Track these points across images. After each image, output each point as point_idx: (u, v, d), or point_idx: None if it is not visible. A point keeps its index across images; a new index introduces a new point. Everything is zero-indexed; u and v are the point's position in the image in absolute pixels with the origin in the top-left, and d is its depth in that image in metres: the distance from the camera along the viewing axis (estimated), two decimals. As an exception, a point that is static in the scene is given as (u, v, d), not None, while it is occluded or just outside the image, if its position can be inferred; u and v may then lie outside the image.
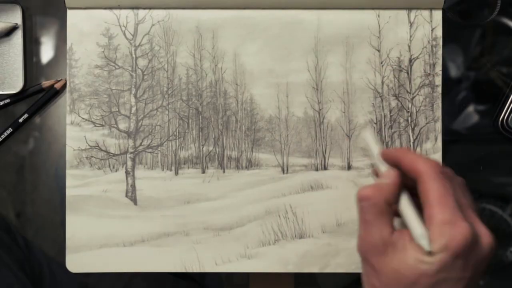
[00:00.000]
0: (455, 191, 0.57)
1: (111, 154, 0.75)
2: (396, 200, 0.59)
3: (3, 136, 0.78)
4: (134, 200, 0.75)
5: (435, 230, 0.54)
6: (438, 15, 0.74)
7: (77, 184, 0.74)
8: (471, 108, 0.80)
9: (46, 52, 0.79)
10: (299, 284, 0.80)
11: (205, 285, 0.81)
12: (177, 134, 0.75)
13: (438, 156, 0.74)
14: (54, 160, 0.79)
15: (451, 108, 0.78)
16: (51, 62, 0.79)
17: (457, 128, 0.79)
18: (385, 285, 0.56)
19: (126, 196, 0.75)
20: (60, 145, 0.78)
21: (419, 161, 0.58)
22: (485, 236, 0.55)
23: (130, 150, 0.75)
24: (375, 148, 0.63)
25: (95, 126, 0.75)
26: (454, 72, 0.80)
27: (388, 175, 0.60)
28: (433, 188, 0.55)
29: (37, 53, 0.79)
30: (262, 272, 0.74)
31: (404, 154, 0.60)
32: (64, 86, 0.77)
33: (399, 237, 0.56)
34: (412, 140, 0.75)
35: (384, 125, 0.75)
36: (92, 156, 0.75)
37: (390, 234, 0.56)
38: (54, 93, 0.77)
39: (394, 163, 0.61)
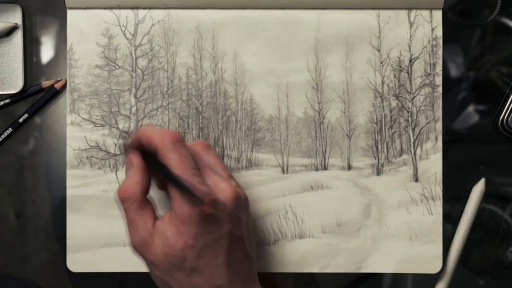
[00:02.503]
0: (194, 154, 0.60)
1: (112, 154, 0.76)
2: (149, 183, 0.62)
3: (3, 136, 0.78)
4: (134, 200, 0.75)
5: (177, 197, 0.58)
6: (438, 15, 0.75)
7: (78, 184, 0.75)
8: (471, 108, 0.80)
9: (46, 52, 0.80)
10: (299, 284, 0.80)
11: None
12: (177, 134, 0.76)
13: (438, 156, 0.75)
14: (54, 160, 0.79)
15: (451, 108, 0.79)
16: (51, 62, 0.79)
17: (457, 128, 0.79)
18: (164, 272, 0.59)
19: (126, 196, 0.75)
20: (60, 145, 0.78)
21: (154, 135, 0.60)
22: (224, 191, 0.59)
23: (130, 150, 0.76)
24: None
25: (95, 126, 0.76)
26: (454, 72, 0.80)
27: (130, 162, 0.62)
28: (170, 159, 0.58)
29: (37, 53, 0.79)
30: (262, 272, 0.74)
31: (141, 133, 0.62)
32: (64, 86, 0.78)
33: (161, 223, 0.59)
34: (412, 140, 0.76)
35: (385, 125, 0.76)
36: (92, 156, 0.76)
37: (153, 224, 0.59)
38: (54, 93, 0.78)
39: (139, 146, 0.62)
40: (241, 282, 0.60)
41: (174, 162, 0.58)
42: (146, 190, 0.61)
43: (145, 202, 0.61)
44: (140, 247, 0.59)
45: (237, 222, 0.60)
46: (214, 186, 0.59)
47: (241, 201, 0.61)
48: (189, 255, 0.57)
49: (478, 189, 0.77)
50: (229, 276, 0.59)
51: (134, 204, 0.60)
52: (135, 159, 0.61)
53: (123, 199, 0.60)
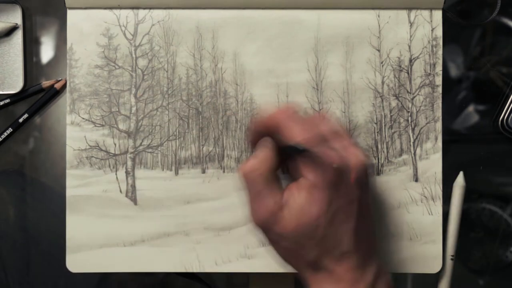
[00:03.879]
0: (315, 124, 0.60)
1: (111, 154, 0.76)
2: (277, 165, 0.62)
3: (3, 136, 0.79)
4: (134, 200, 0.76)
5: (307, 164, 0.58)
6: (438, 15, 0.75)
7: (77, 184, 0.76)
8: (471, 108, 0.80)
9: (46, 52, 0.80)
10: (299, 284, 0.80)
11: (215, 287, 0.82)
12: (177, 134, 0.76)
13: (438, 156, 0.76)
14: (54, 160, 0.80)
15: (451, 108, 0.79)
16: (51, 62, 0.80)
17: (457, 128, 0.80)
18: (293, 243, 0.59)
19: (126, 196, 0.76)
20: (60, 145, 0.79)
21: (272, 114, 0.61)
22: (354, 155, 0.59)
23: (130, 150, 0.76)
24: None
25: (95, 126, 0.76)
26: (454, 72, 0.80)
27: (260, 145, 0.63)
28: (293, 128, 0.59)
29: (37, 53, 0.80)
30: (262, 272, 0.75)
31: (259, 120, 0.63)
32: (64, 86, 0.79)
33: (288, 194, 0.59)
34: (412, 140, 0.76)
35: (384, 125, 0.76)
36: (92, 156, 0.76)
37: (281, 197, 0.59)
38: (54, 93, 0.79)
39: (263, 133, 0.63)
40: (364, 252, 0.60)
41: (298, 130, 0.58)
42: (274, 166, 0.61)
43: (272, 176, 0.61)
44: (266, 221, 0.59)
45: (366, 188, 0.61)
46: (343, 150, 0.59)
47: (369, 168, 0.61)
48: (322, 221, 0.57)
49: (458, 184, 0.78)
50: (356, 244, 0.58)
51: (262, 176, 0.60)
52: (267, 143, 0.62)
53: (251, 169, 0.60)
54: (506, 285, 0.84)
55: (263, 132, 0.63)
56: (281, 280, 0.80)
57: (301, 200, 0.57)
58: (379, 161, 0.76)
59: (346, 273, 0.58)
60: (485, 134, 0.80)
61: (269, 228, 0.60)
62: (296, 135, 0.58)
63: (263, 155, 0.61)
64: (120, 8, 0.76)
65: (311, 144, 0.57)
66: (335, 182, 0.57)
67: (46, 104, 0.79)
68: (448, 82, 0.78)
